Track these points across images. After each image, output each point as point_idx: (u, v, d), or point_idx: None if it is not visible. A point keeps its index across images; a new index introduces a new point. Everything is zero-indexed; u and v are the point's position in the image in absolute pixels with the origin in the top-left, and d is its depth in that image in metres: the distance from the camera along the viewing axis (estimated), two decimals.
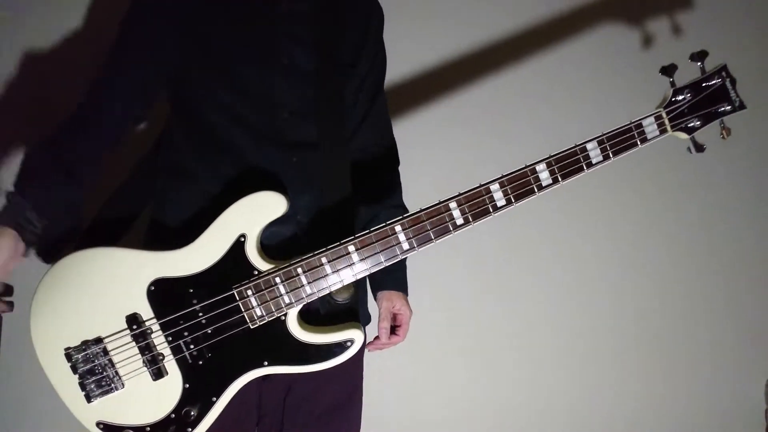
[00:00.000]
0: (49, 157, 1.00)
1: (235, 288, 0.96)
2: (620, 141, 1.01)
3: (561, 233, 1.61)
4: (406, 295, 1.22)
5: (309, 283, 0.97)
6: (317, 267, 0.97)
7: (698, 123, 1.04)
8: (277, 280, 0.96)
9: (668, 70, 1.02)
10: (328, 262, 0.97)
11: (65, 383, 0.95)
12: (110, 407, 0.97)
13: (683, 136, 1.05)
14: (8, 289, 0.97)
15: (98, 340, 0.95)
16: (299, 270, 0.97)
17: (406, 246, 0.98)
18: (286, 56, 1.05)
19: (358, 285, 1.09)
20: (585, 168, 1.01)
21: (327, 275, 0.97)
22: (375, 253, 0.98)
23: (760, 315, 1.65)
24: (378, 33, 1.21)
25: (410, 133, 1.44)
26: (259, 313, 0.97)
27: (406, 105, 1.56)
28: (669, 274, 1.64)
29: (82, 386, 0.95)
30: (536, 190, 1.00)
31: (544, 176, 1.00)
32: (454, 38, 1.54)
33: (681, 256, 1.65)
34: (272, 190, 0.98)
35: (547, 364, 1.63)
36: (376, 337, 1.18)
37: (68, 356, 0.95)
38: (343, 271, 0.98)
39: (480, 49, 1.54)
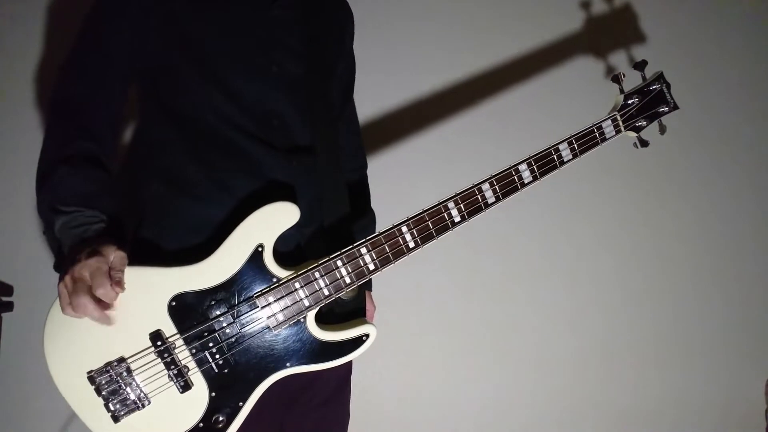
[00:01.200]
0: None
1: (257, 296, 1.00)
2: (585, 141, 1.17)
3: (560, 233, 1.65)
4: (369, 290, 1.29)
5: (326, 285, 1.04)
6: (333, 270, 1.04)
7: (644, 123, 1.23)
8: (297, 285, 1.02)
9: (618, 79, 1.20)
10: (343, 265, 1.04)
11: (89, 406, 0.94)
12: (137, 424, 0.98)
13: (632, 134, 1.23)
14: (8, 289, 0.93)
15: (121, 360, 0.95)
16: (317, 274, 1.03)
17: (411, 244, 1.08)
18: (276, 64, 1.08)
19: (362, 285, 1.17)
20: (558, 165, 1.16)
21: (343, 277, 1.04)
22: (386, 254, 1.06)
23: (760, 315, 1.66)
24: (351, 40, 1.27)
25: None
26: (281, 318, 1.02)
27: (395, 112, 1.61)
28: (668, 274, 1.67)
29: (108, 407, 0.95)
30: (519, 187, 1.13)
31: (526, 174, 1.13)
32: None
33: (680, 255, 1.68)
34: (286, 200, 1.02)
35: (547, 365, 1.67)
36: None
37: (91, 379, 0.94)
38: (358, 272, 1.05)
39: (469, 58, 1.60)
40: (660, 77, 1.23)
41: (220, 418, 1.00)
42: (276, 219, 1.01)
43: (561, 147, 1.15)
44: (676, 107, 1.25)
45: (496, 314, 1.64)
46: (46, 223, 0.97)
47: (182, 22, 1.02)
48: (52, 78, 1.29)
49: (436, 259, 1.58)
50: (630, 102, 1.20)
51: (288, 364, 1.04)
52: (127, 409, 0.96)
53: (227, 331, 0.99)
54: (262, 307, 1.00)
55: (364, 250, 1.05)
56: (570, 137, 1.16)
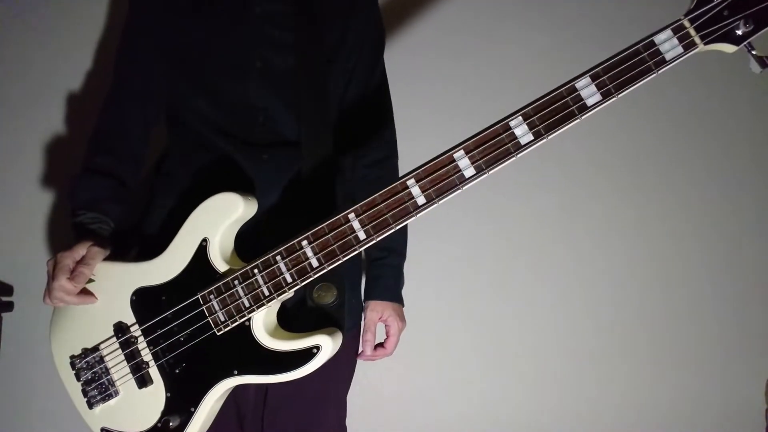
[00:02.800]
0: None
1: (199, 293, 0.94)
2: (624, 70, 0.75)
3: (561, 233, 1.57)
4: (400, 304, 1.08)
5: (266, 284, 0.90)
6: (272, 266, 0.90)
7: (749, 27, 0.72)
8: (236, 282, 0.92)
9: None
10: (282, 260, 0.89)
11: (74, 390, 1.02)
12: (110, 414, 1.01)
13: (730, 48, 0.74)
14: (8, 289, 1.07)
15: (95, 348, 1.01)
16: (255, 271, 0.91)
17: (362, 235, 0.86)
18: (260, 59, 1.04)
19: (344, 286, 0.99)
20: (577, 112, 0.77)
21: (283, 274, 0.90)
22: (330, 247, 0.87)
23: (761, 315, 1.60)
24: (364, 19, 1.12)
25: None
26: (222, 318, 0.93)
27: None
28: (668, 274, 1.59)
29: (84, 393, 1.01)
30: (512, 150, 0.80)
31: (520, 131, 0.79)
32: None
33: (680, 255, 1.60)
34: (229, 192, 0.95)
35: (547, 365, 1.60)
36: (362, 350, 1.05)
37: (72, 364, 1.02)
38: (299, 268, 0.89)
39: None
40: None
41: (171, 423, 0.96)
42: (218, 211, 0.95)
43: (579, 85, 0.77)
44: None
45: (495, 315, 1.58)
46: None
47: (165, 30, 1.06)
48: (53, 79, 1.40)
49: (434, 259, 1.52)
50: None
51: (235, 372, 0.94)
52: (100, 397, 1.01)
53: (175, 328, 0.96)
54: (204, 305, 0.94)
55: (304, 243, 0.88)
56: (596, 67, 0.76)
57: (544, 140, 0.79)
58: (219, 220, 0.95)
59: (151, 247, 1.03)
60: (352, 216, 0.86)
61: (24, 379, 1.37)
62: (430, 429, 1.55)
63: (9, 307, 1.07)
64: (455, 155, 0.82)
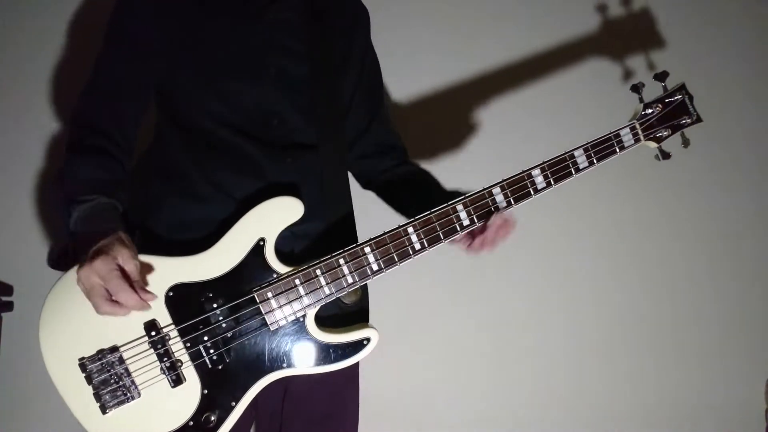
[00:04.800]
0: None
1: (256, 291, 0.98)
2: (602, 149, 1.13)
3: (562, 233, 1.64)
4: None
5: (328, 284, 1.00)
6: (335, 268, 1.01)
7: (665, 133, 1.18)
8: (297, 281, 0.99)
9: (637, 88, 1.16)
10: (346, 263, 1.01)
11: (77, 394, 0.92)
12: (125, 418, 0.95)
13: (652, 145, 1.19)
14: (8, 289, 0.93)
15: (114, 349, 0.94)
16: (318, 271, 1.00)
17: (417, 246, 1.04)
18: (274, 66, 1.07)
19: (366, 289, 1.13)
20: (573, 173, 1.12)
21: (345, 276, 1.01)
22: (390, 254, 1.03)
23: (760, 315, 1.65)
24: (364, 36, 1.23)
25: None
26: (279, 315, 0.99)
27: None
28: (667, 274, 1.66)
29: (97, 397, 0.93)
30: (532, 193, 1.10)
31: (539, 180, 1.10)
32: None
33: (680, 255, 1.66)
34: (291, 195, 1.01)
35: (547, 365, 1.66)
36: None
37: (83, 366, 0.92)
38: (360, 271, 1.02)
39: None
40: (682, 88, 1.19)
41: (212, 418, 0.96)
42: (279, 213, 1.00)
43: (576, 153, 1.12)
44: (699, 120, 1.21)
45: (496, 314, 1.63)
46: (63, 216, 0.95)
47: (181, 38, 1.03)
48: (52, 79, 1.32)
49: (438, 260, 1.53)
50: (650, 111, 1.16)
51: (284, 365, 1.00)
52: (116, 401, 0.93)
53: (223, 325, 0.97)
54: (261, 303, 0.98)
55: (367, 250, 1.02)
56: (586, 144, 1.12)
57: (552, 188, 1.11)
58: (280, 222, 1.00)
59: (160, 245, 1.00)
60: (410, 229, 1.04)
61: (24, 379, 1.24)
62: (432, 429, 1.57)
63: (9, 307, 0.91)
64: (493, 191, 1.08)
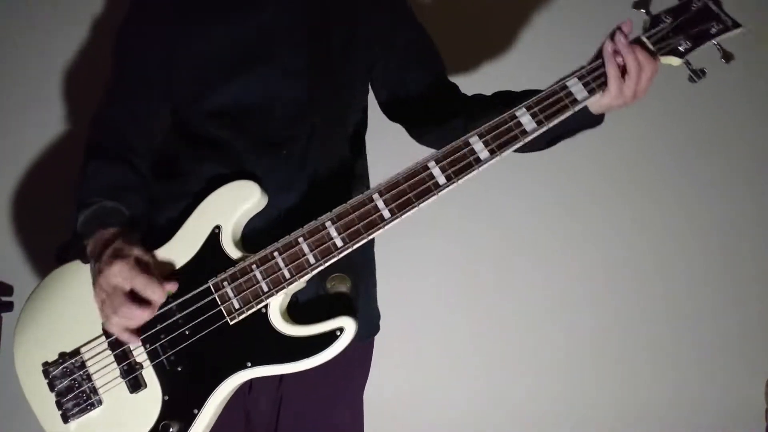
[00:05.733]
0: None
1: (211, 281, 0.90)
2: (600, 75, 0.93)
3: (562, 233, 1.61)
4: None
5: (287, 266, 0.90)
6: (294, 247, 0.90)
7: (688, 44, 0.95)
8: (254, 267, 0.90)
9: (642, 3, 0.97)
10: (305, 241, 0.91)
11: (42, 402, 0.90)
12: (89, 428, 0.89)
13: (676, 61, 0.95)
14: (8, 289, 0.95)
15: (75, 352, 0.91)
16: (275, 253, 0.90)
17: (387, 214, 0.91)
18: (277, 55, 1.04)
19: (358, 278, 1.00)
20: (570, 106, 0.93)
21: (306, 255, 0.90)
22: (354, 226, 0.91)
23: (760, 315, 1.63)
24: (380, 11, 1.14)
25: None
26: (237, 305, 0.90)
27: None
28: (668, 273, 1.63)
29: (59, 405, 0.89)
30: (519, 136, 0.92)
31: (526, 120, 0.92)
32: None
33: (680, 255, 1.64)
34: (246, 179, 0.95)
35: (547, 365, 1.62)
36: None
37: (45, 372, 0.90)
38: (322, 249, 0.90)
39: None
40: None
41: (171, 429, 0.87)
42: (232, 198, 0.95)
43: (569, 83, 0.93)
44: (736, 25, 0.96)
45: (495, 315, 1.61)
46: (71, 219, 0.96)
47: (179, 38, 1.05)
48: (52, 79, 1.39)
49: (435, 259, 1.57)
50: (660, 23, 0.95)
51: (248, 364, 0.89)
52: (77, 409, 0.89)
53: (179, 321, 0.90)
54: (216, 293, 0.90)
55: (328, 223, 0.91)
56: (579, 69, 0.94)
57: (542, 129, 0.92)
58: (234, 207, 0.94)
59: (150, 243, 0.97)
60: (376, 196, 0.91)
61: None
62: (436, 428, 1.53)
63: (9, 307, 0.96)
64: (471, 140, 0.92)
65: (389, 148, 1.30)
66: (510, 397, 1.62)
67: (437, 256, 1.54)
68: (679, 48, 0.95)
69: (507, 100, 1.06)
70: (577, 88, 0.92)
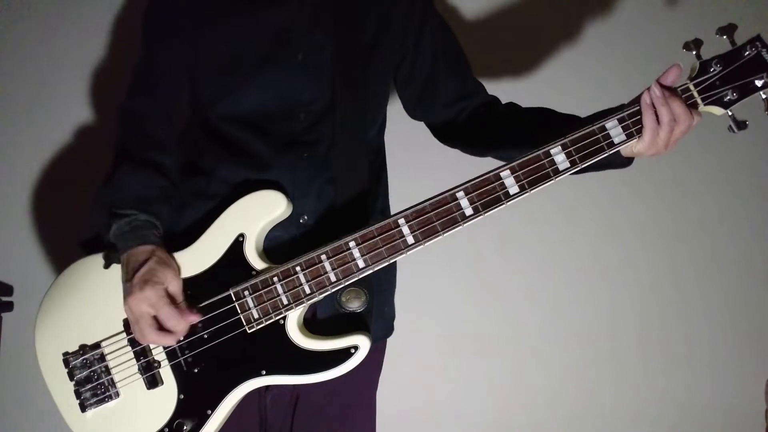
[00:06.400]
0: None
1: (232, 289, 0.92)
2: (639, 120, 0.91)
3: (562, 233, 1.61)
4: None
5: (308, 282, 0.91)
6: (316, 265, 0.91)
7: (734, 96, 0.93)
8: (275, 279, 0.92)
9: (693, 45, 0.94)
10: (328, 259, 0.91)
11: (62, 390, 0.92)
12: (105, 419, 0.93)
13: (718, 111, 0.94)
14: (8, 289, 0.97)
15: (96, 345, 0.93)
16: (297, 268, 0.91)
17: (411, 240, 0.91)
18: (301, 52, 1.00)
19: (373, 292, 1.00)
20: (606, 148, 0.92)
21: (327, 273, 0.91)
22: (377, 249, 0.91)
23: (760, 315, 1.63)
24: (411, 11, 1.10)
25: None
26: (255, 315, 0.91)
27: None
28: (668, 273, 1.63)
29: (77, 394, 0.92)
30: (551, 174, 0.92)
31: (560, 159, 0.91)
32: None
33: (680, 255, 1.63)
34: (272, 189, 0.95)
35: (547, 365, 1.63)
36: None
37: (66, 362, 0.93)
38: (344, 269, 0.91)
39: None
40: (756, 40, 0.94)
41: (185, 426, 0.90)
42: (258, 208, 0.95)
43: (609, 125, 0.92)
44: None
45: (501, 316, 1.62)
46: (101, 223, 0.96)
47: (199, 38, 1.02)
48: (51, 79, 1.36)
49: (442, 259, 1.57)
50: (710, 70, 0.93)
51: (263, 372, 0.91)
52: (95, 399, 0.92)
53: (199, 325, 0.92)
54: (237, 302, 0.92)
55: (352, 244, 0.91)
56: (621, 113, 0.92)
57: (576, 168, 0.92)
58: (259, 217, 0.94)
59: (173, 243, 0.98)
60: (402, 221, 0.92)
61: (24, 379, 1.30)
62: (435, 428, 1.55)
63: (9, 307, 0.97)
64: (502, 174, 0.92)
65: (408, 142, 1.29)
66: (518, 399, 1.63)
67: (450, 257, 1.54)
68: (725, 98, 0.93)
69: (544, 122, 1.05)
70: (615, 131, 0.91)
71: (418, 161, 1.47)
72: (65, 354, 0.93)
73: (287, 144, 1.00)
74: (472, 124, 1.14)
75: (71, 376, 0.92)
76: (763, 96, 0.93)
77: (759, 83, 0.93)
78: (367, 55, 1.06)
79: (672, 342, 1.65)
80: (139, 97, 1.05)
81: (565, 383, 1.64)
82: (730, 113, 0.94)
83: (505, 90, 1.21)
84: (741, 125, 0.94)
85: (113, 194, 0.95)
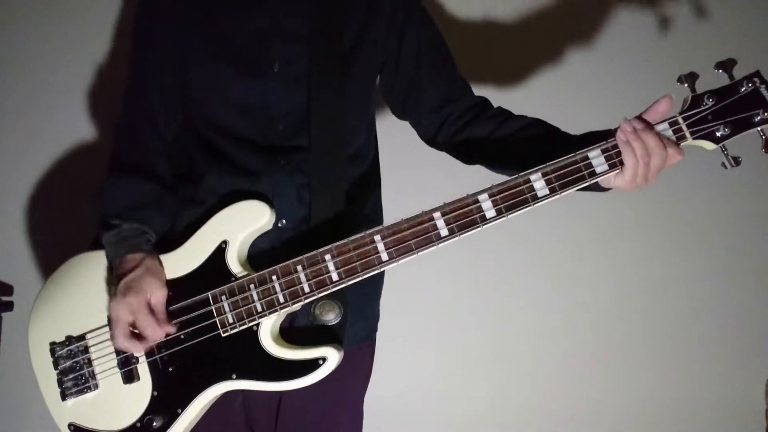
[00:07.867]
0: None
1: (210, 292, 0.95)
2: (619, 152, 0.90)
3: (562, 233, 1.62)
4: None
5: (282, 291, 0.94)
6: (292, 275, 0.94)
7: (726, 131, 0.90)
8: (252, 286, 0.94)
9: (685, 79, 0.92)
10: (303, 270, 0.93)
11: (46, 379, 0.97)
12: (83, 409, 0.96)
13: (710, 146, 0.92)
14: (8, 289, 1.03)
15: (81, 337, 0.98)
16: (273, 277, 0.94)
17: (385, 257, 0.92)
18: (277, 63, 1.02)
19: (347, 306, 1.02)
20: (587, 177, 0.91)
21: (301, 284, 0.93)
22: (352, 263, 0.93)
23: (760, 315, 1.63)
24: (396, 15, 1.10)
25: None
26: (230, 319, 0.94)
27: None
28: (668, 274, 1.63)
29: (60, 382, 0.96)
30: (530, 200, 0.91)
31: (539, 185, 0.91)
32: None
33: (680, 255, 1.64)
34: (258, 200, 0.99)
35: (548, 365, 1.63)
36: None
37: (52, 351, 0.97)
38: (318, 280, 0.93)
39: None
40: (754, 75, 0.92)
41: (154, 423, 0.93)
42: (244, 217, 0.98)
43: (591, 155, 0.91)
44: None
45: (496, 315, 1.63)
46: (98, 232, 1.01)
47: (180, 48, 1.05)
48: (51, 79, 1.40)
49: (437, 260, 1.44)
50: (701, 104, 0.91)
51: (233, 376, 0.94)
52: (76, 389, 0.96)
53: (177, 325, 0.95)
54: (214, 305, 0.95)
55: (328, 257, 0.93)
56: (606, 143, 0.91)
57: (557, 195, 0.91)
58: (243, 226, 0.98)
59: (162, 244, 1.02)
60: (378, 238, 0.93)
61: (24, 379, 1.27)
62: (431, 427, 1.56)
63: (9, 307, 1.02)
64: (479, 197, 0.92)
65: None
66: (510, 398, 1.63)
67: (438, 258, 1.53)
68: (717, 133, 0.91)
69: (532, 141, 1.04)
70: (598, 161, 0.90)
71: (418, 161, 1.45)
72: (52, 344, 0.98)
73: (266, 150, 1.02)
74: (458, 131, 1.12)
75: (56, 365, 0.97)
76: (760, 132, 0.91)
77: (756, 119, 0.90)
78: (346, 61, 1.06)
79: (672, 342, 1.65)
80: (129, 105, 1.09)
81: (561, 384, 1.63)
82: (723, 149, 0.92)
83: (491, 93, 1.17)
84: (733, 162, 0.92)
85: (101, 205, 1.00)
